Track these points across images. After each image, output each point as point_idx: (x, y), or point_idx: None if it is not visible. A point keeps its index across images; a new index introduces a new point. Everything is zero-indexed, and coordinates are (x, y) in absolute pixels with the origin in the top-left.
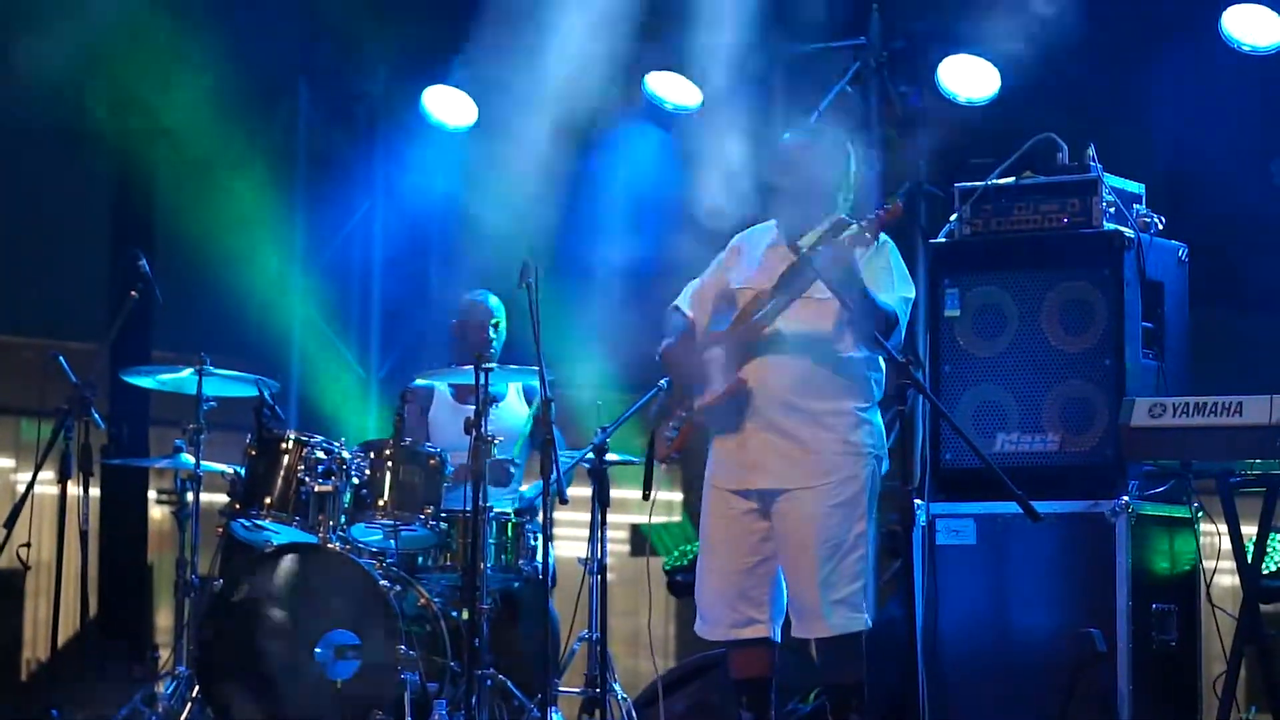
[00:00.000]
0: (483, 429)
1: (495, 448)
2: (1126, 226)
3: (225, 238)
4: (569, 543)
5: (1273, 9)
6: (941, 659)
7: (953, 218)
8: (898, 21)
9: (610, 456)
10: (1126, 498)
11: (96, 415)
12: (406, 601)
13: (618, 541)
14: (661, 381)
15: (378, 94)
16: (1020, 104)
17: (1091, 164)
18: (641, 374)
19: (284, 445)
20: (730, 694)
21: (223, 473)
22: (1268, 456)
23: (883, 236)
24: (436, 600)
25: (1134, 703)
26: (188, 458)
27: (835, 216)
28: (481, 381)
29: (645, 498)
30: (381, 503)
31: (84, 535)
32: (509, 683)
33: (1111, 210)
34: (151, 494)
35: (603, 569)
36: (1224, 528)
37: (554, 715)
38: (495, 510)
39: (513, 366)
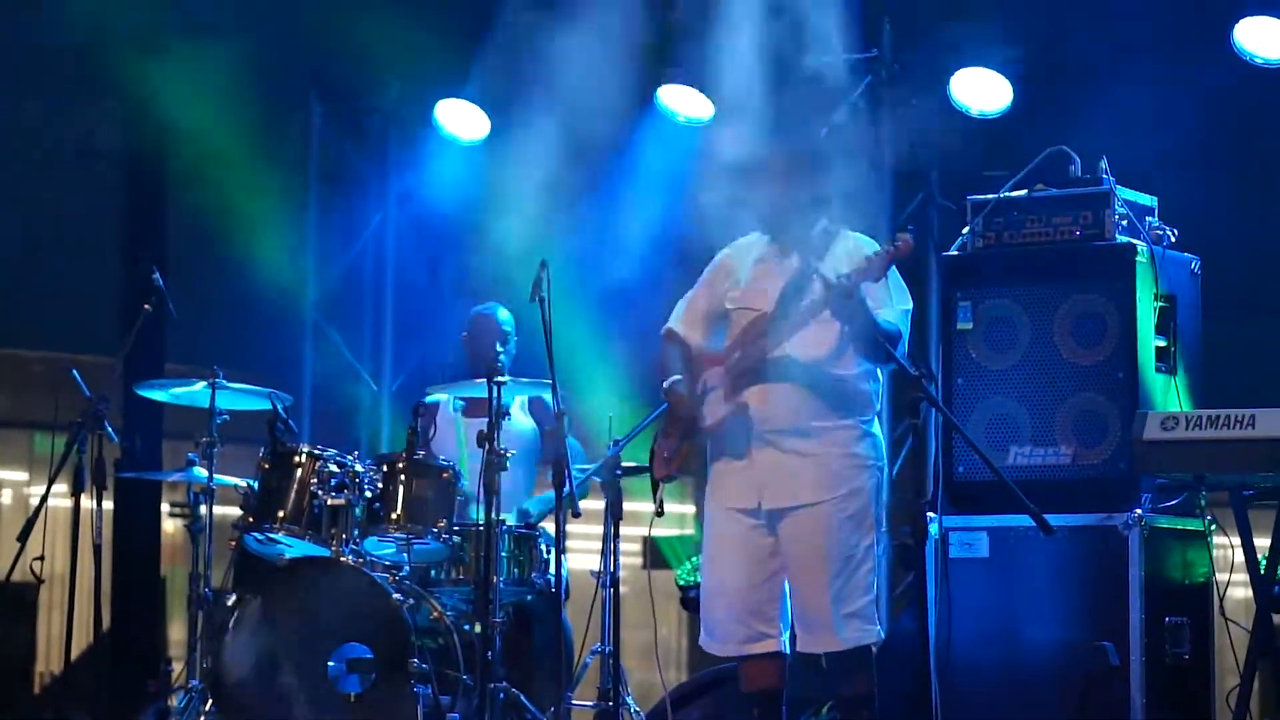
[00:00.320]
0: (495, 442)
1: (508, 460)
2: (1139, 239)
3: (238, 251)
4: (582, 555)
5: None
6: (954, 672)
7: (965, 230)
8: (910, 34)
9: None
10: (1139, 511)
11: (110, 429)
12: (419, 615)
13: (630, 554)
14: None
15: (390, 107)
16: (1032, 116)
17: (1104, 176)
18: (655, 387)
19: (297, 459)
20: (743, 707)
21: (236, 486)
22: None
23: (875, 245)
24: (449, 614)
25: (1147, 716)
26: (201, 471)
27: (823, 225)
28: (494, 395)
29: (658, 514)
30: (394, 516)
31: (97, 549)
32: (522, 696)
33: (1124, 223)
34: (164, 507)
35: (615, 582)
36: (1237, 540)
37: None
38: (508, 523)
39: (523, 380)
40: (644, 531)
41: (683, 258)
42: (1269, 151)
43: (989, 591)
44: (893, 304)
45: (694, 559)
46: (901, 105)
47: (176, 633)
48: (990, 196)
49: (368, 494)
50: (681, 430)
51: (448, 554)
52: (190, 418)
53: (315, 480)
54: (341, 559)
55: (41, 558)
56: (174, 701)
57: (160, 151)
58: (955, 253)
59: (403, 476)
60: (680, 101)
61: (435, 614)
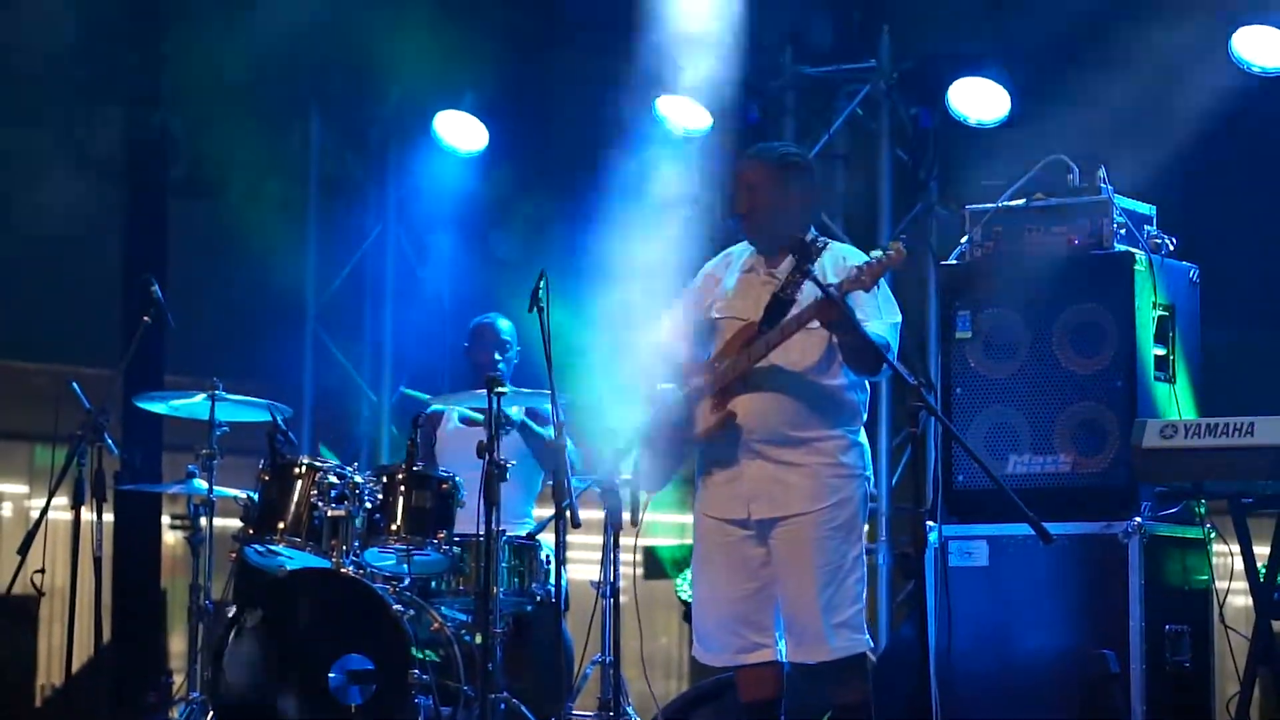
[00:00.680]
0: (495, 452)
1: (508, 470)
2: (1138, 248)
3: (237, 262)
4: (582, 565)
5: None
6: (955, 680)
7: (964, 240)
8: (908, 43)
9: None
10: (1139, 519)
11: (110, 441)
12: (420, 626)
13: (630, 564)
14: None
15: (389, 118)
16: (1031, 125)
17: (1102, 185)
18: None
19: (297, 470)
20: (742, 717)
21: (236, 498)
22: (1279, 477)
23: (863, 256)
24: (450, 625)
25: None
26: (201, 483)
27: (809, 237)
28: (494, 406)
29: (633, 524)
30: (394, 527)
31: (97, 561)
32: (522, 706)
33: (1122, 232)
34: (165, 519)
35: (615, 592)
36: (1237, 548)
37: None
38: (508, 534)
39: (524, 390)
40: (643, 541)
41: (680, 267)
42: (1268, 160)
43: (989, 600)
44: (881, 317)
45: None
46: (900, 114)
47: (177, 645)
48: (989, 205)
49: (368, 505)
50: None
51: (448, 565)
52: (190, 430)
53: (315, 491)
54: (342, 570)
55: (42, 570)
56: (175, 714)
57: (160, 163)
58: (954, 262)
59: (403, 488)
60: (679, 112)
61: (436, 625)
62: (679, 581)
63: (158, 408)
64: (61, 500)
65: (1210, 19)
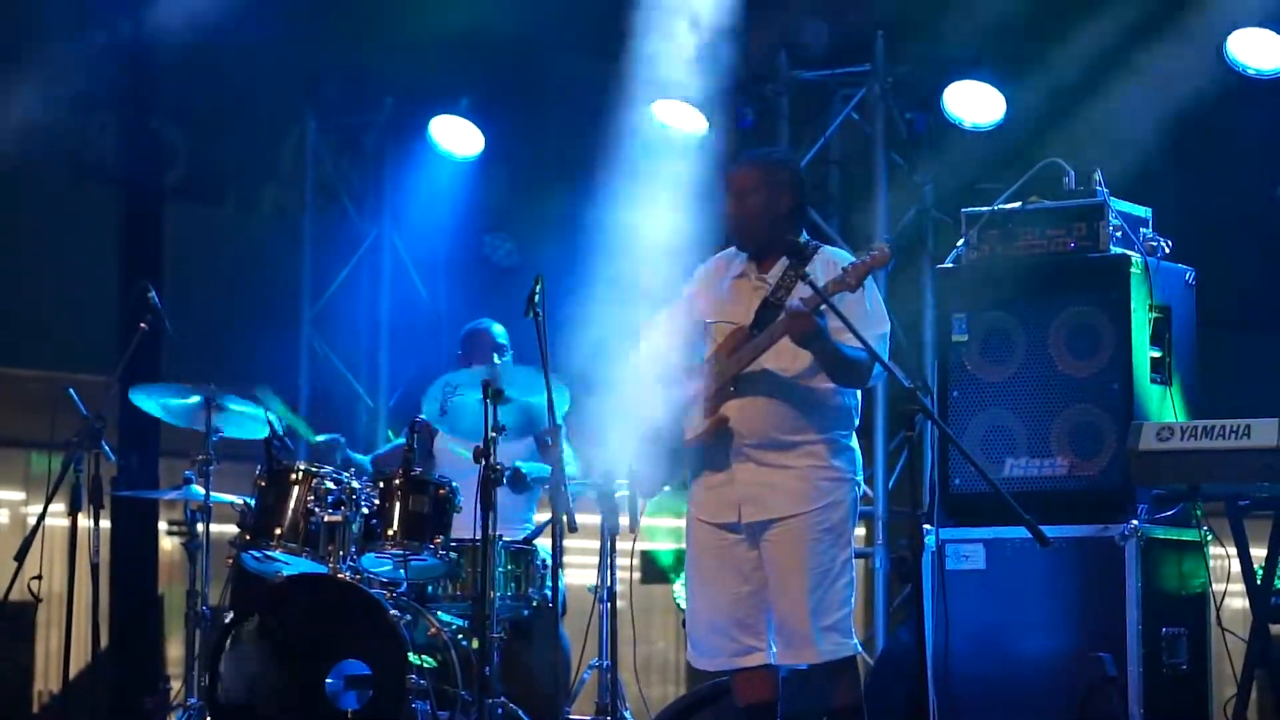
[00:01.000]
0: (491, 457)
1: (505, 476)
2: (1133, 250)
3: (233, 268)
4: (579, 570)
5: (1277, 32)
6: (952, 683)
7: (960, 243)
8: (903, 48)
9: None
10: (1135, 521)
11: (107, 447)
12: (417, 631)
13: (628, 569)
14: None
15: (385, 123)
16: (1026, 129)
17: (1098, 188)
18: None
19: (293, 476)
20: None
21: (233, 504)
22: (1276, 479)
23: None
24: (447, 630)
25: None
26: (198, 489)
27: (801, 240)
28: (490, 410)
29: (631, 528)
30: (391, 533)
31: (95, 567)
32: (520, 711)
33: (1118, 234)
34: (162, 525)
35: (612, 596)
36: (1233, 551)
37: None
38: (505, 539)
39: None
40: (641, 545)
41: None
42: (1262, 162)
43: (986, 603)
44: (870, 323)
45: None
46: (895, 118)
47: (174, 651)
48: (984, 209)
49: (364, 511)
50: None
51: (445, 570)
52: (187, 436)
53: (312, 497)
54: (339, 576)
55: (39, 577)
56: (172, 719)
57: (156, 169)
58: (950, 265)
59: (399, 493)
60: (675, 116)
61: (433, 630)
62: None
63: (151, 407)
64: (58, 507)
65: (1205, 22)
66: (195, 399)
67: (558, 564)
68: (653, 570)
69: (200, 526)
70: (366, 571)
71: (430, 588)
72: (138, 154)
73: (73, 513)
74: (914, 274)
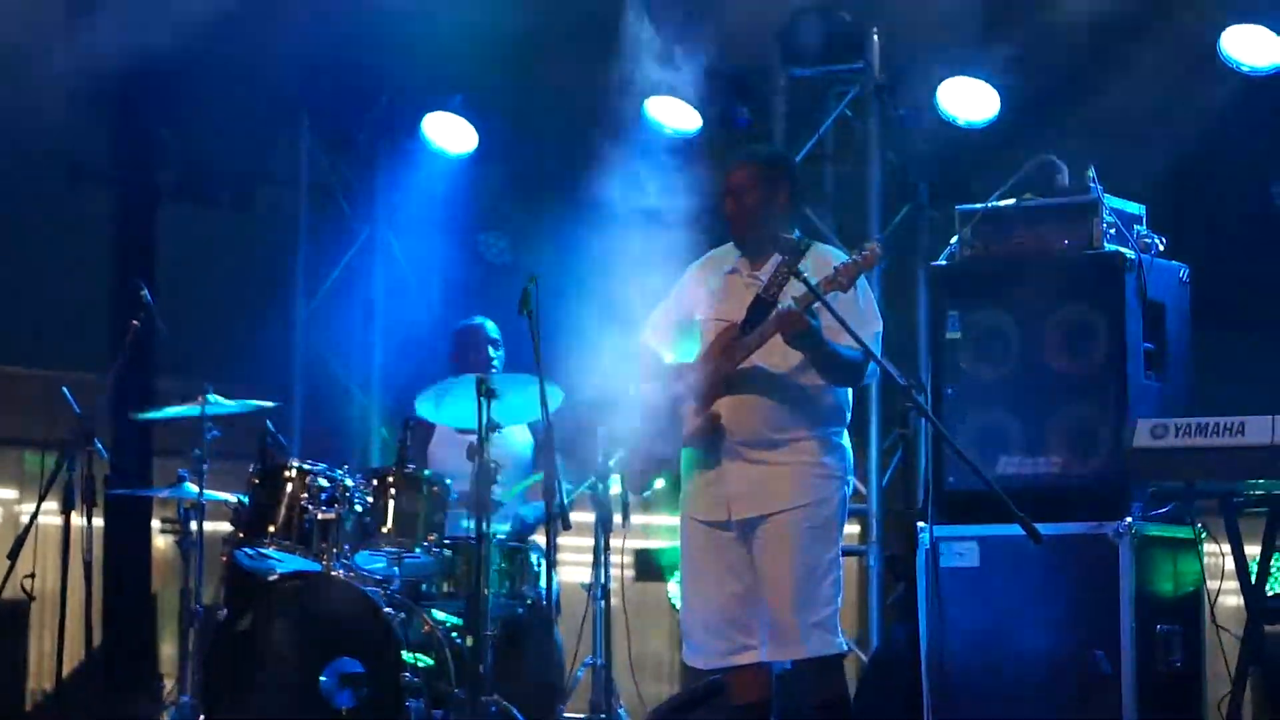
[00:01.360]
0: (485, 455)
1: (499, 474)
2: (1127, 248)
3: (227, 266)
4: (573, 568)
5: (1271, 29)
6: (946, 680)
7: (954, 240)
8: (897, 45)
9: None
10: (1130, 519)
11: (100, 446)
12: (411, 629)
13: (625, 565)
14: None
15: (378, 121)
16: (1020, 126)
17: (1092, 185)
18: None
19: (287, 473)
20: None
21: (226, 502)
22: (1270, 476)
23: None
24: (441, 627)
25: None
26: (191, 487)
27: (794, 239)
28: (483, 406)
29: (623, 526)
30: (385, 530)
31: (88, 566)
32: (514, 709)
33: (1112, 231)
34: (155, 523)
35: (606, 594)
36: (1228, 548)
37: None
38: (499, 536)
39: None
40: (635, 544)
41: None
42: (1256, 159)
43: (980, 601)
44: (862, 322)
45: None
46: (889, 115)
47: (168, 649)
48: (978, 206)
49: (358, 508)
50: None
51: (439, 567)
52: (180, 434)
53: (305, 495)
54: (332, 573)
55: (32, 575)
56: (165, 717)
57: (149, 168)
58: (944, 263)
59: (393, 490)
60: (667, 113)
61: (427, 628)
62: (672, 585)
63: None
64: (52, 505)
65: (1200, 18)
66: (193, 410)
67: (552, 562)
68: (648, 568)
69: (194, 524)
70: (360, 569)
71: (424, 585)
72: (131, 153)
73: (66, 511)
74: (908, 271)
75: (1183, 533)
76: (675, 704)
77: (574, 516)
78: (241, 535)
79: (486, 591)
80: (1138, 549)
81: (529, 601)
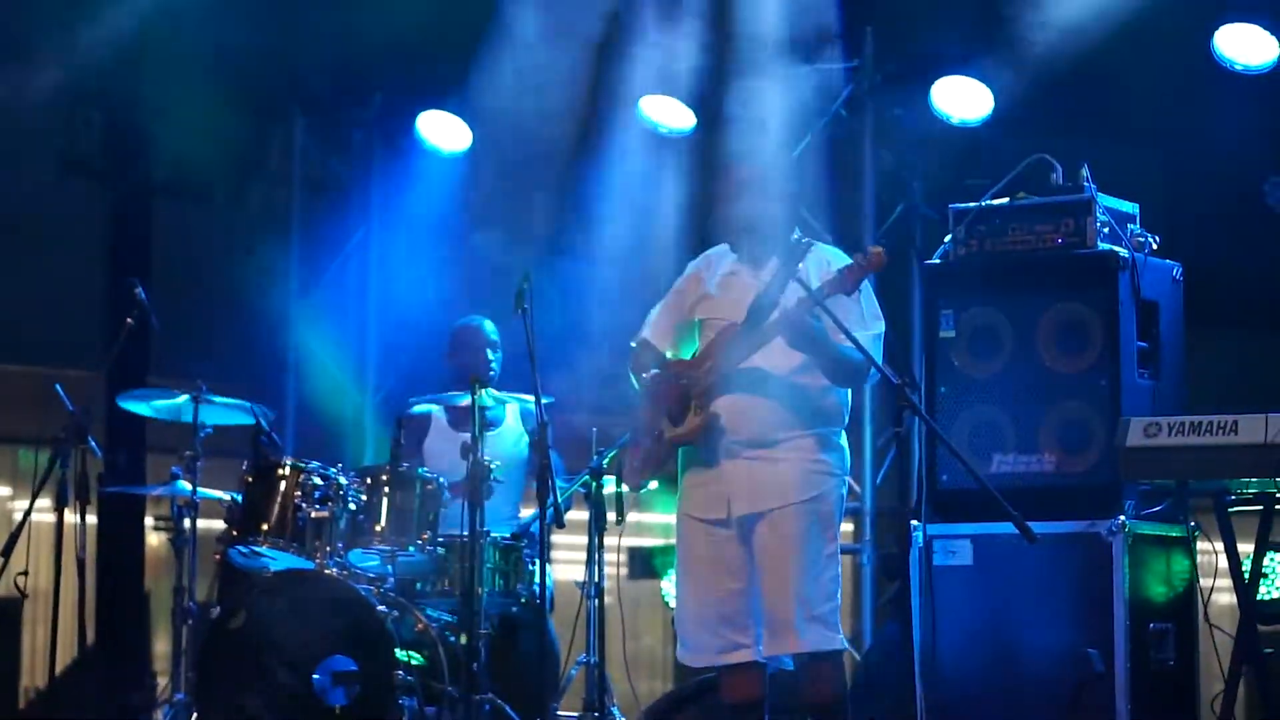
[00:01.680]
0: (479, 453)
1: (494, 472)
2: (1121, 246)
3: (221, 264)
4: (567, 566)
5: (1265, 28)
6: (939, 679)
7: (947, 239)
8: (891, 43)
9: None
10: (1123, 518)
11: (93, 443)
12: (404, 627)
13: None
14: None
15: (373, 119)
16: (1014, 124)
17: (1086, 184)
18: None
19: (281, 471)
20: (726, 718)
21: (220, 499)
22: (1263, 475)
23: (847, 259)
24: (434, 625)
25: None
26: (185, 485)
27: (795, 238)
28: (478, 406)
29: (618, 523)
30: (378, 528)
31: (81, 563)
32: (507, 707)
33: (1106, 230)
34: (149, 521)
35: (600, 592)
36: (1221, 546)
37: None
38: (492, 535)
39: (507, 395)
40: (628, 542)
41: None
42: (1249, 157)
43: (973, 599)
44: (865, 324)
45: None
46: (883, 114)
47: (161, 647)
48: (972, 205)
49: (352, 506)
50: (650, 437)
51: (432, 566)
52: (174, 432)
53: (299, 493)
54: (326, 571)
55: (25, 573)
56: (159, 715)
57: (143, 164)
58: (937, 261)
59: (386, 489)
60: (661, 111)
61: (420, 626)
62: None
63: (140, 409)
64: (45, 502)
65: (1193, 17)
66: (183, 398)
67: (545, 559)
68: (641, 566)
69: (187, 522)
70: (354, 567)
71: (418, 583)
72: (125, 150)
73: (59, 508)
74: (901, 270)
75: (1176, 531)
76: (668, 702)
77: (567, 515)
78: (235, 533)
79: (480, 589)
80: (1131, 547)
81: (523, 599)
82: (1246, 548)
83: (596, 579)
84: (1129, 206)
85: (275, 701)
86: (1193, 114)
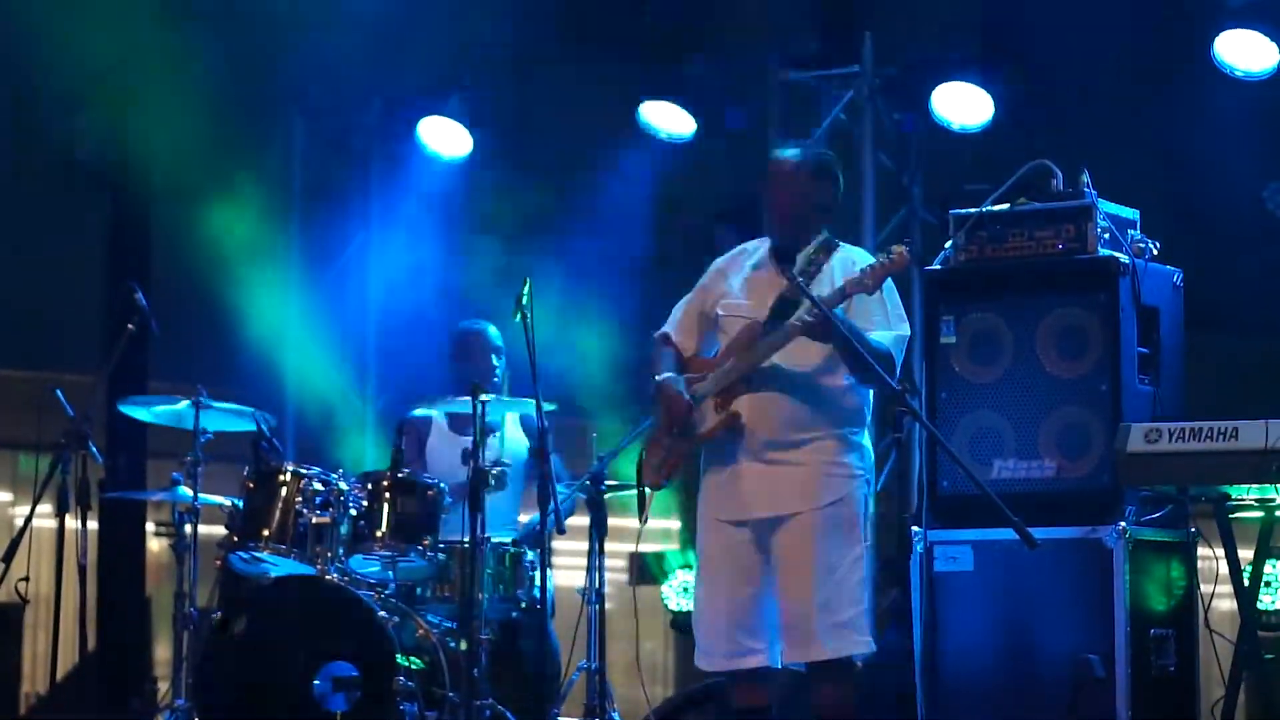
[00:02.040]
0: (480, 459)
1: (494, 478)
2: (1121, 252)
3: (221, 269)
4: (567, 572)
5: (1265, 34)
6: (940, 685)
7: (947, 245)
8: (891, 49)
9: (608, 484)
10: (1123, 523)
11: (94, 449)
12: (405, 632)
13: (616, 570)
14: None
15: (373, 125)
16: (1014, 130)
17: (1086, 190)
18: (639, 401)
19: (281, 477)
20: None
21: (221, 505)
22: (1264, 481)
23: (871, 259)
24: (435, 631)
25: None
26: (185, 490)
27: (823, 238)
28: (479, 411)
29: (641, 523)
30: (379, 534)
31: (82, 569)
32: (508, 713)
33: (1106, 236)
34: (149, 527)
35: (601, 598)
36: (1221, 552)
37: None
38: (494, 540)
39: (508, 398)
40: (629, 547)
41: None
42: (1250, 164)
43: (974, 605)
44: (889, 324)
45: (686, 584)
46: (884, 120)
47: (162, 652)
48: (972, 210)
49: (352, 512)
50: (673, 434)
51: (433, 571)
52: (175, 437)
53: (300, 498)
54: (327, 577)
55: (26, 578)
56: None
57: (143, 169)
58: (938, 267)
59: (387, 494)
60: (662, 117)
61: (421, 631)
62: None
63: (141, 414)
64: (46, 508)
65: (1193, 23)
66: (183, 403)
67: (546, 565)
68: (643, 571)
69: (188, 528)
70: (354, 573)
71: (418, 589)
72: (125, 155)
73: (60, 514)
74: (902, 276)
75: (1176, 537)
76: (670, 707)
77: (569, 521)
78: (236, 539)
79: (481, 595)
80: (1131, 553)
81: (523, 605)
82: (1247, 553)
83: (597, 585)
84: (1129, 212)
85: (276, 707)
86: (1193, 120)
